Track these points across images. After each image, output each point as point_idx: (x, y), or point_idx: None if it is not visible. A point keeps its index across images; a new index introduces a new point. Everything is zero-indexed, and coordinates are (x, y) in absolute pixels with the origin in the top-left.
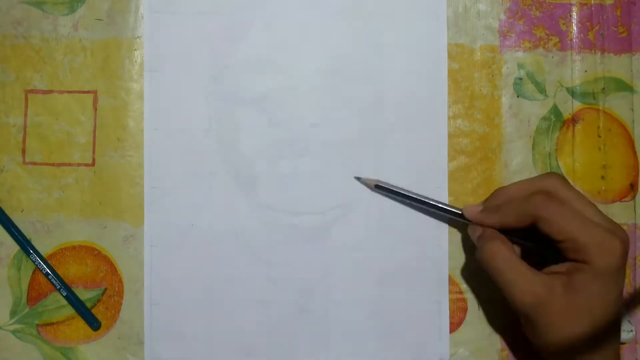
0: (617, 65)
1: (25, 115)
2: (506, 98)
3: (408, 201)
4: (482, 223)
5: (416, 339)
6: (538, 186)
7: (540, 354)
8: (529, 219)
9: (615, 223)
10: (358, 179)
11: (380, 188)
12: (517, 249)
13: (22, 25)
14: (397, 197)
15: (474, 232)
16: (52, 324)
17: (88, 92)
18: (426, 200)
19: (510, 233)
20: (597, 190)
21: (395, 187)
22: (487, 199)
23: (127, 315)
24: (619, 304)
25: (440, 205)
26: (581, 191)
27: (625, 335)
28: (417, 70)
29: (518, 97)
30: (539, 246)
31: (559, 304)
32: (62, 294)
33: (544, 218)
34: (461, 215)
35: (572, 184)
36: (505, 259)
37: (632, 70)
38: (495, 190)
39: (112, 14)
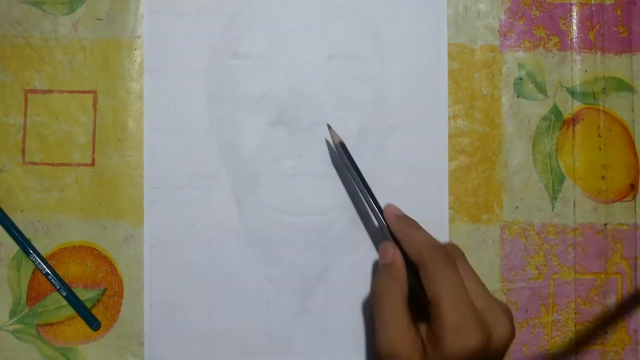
0: (617, 65)
1: (25, 115)
2: (506, 98)
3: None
4: (391, 226)
5: None
6: (444, 244)
7: None
8: (418, 259)
9: (501, 317)
10: (329, 127)
11: (342, 147)
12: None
13: (22, 25)
14: (347, 166)
15: (385, 255)
16: (52, 324)
17: (88, 92)
18: (363, 189)
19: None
20: (597, 190)
21: (351, 160)
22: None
23: (127, 315)
24: None
25: (370, 200)
26: (581, 191)
27: None
28: (417, 70)
29: (518, 97)
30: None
31: None
32: (61, 294)
33: (427, 269)
34: (379, 215)
35: (572, 184)
36: (392, 300)
37: (632, 70)
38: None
39: (112, 14)
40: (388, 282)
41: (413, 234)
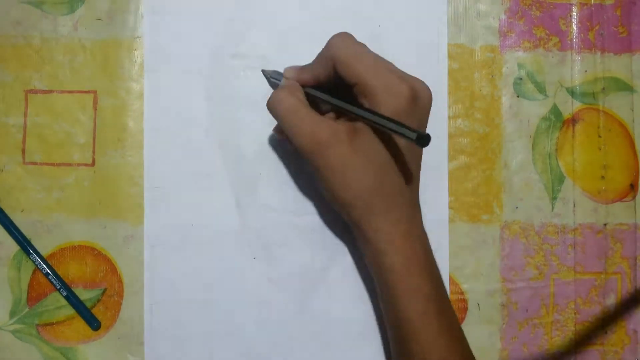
0: (617, 65)
1: (25, 115)
2: (506, 98)
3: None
4: (299, 79)
5: None
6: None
7: (335, 208)
8: (330, 62)
9: (420, 81)
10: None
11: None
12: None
13: (22, 25)
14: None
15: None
16: (52, 324)
17: (88, 92)
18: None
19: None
20: (597, 190)
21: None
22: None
23: (127, 315)
24: (416, 162)
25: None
26: (581, 191)
27: None
28: (417, 70)
29: (518, 97)
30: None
31: (341, 149)
32: (62, 294)
33: (339, 59)
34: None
35: (572, 184)
36: (289, 104)
37: (632, 70)
38: None
39: (112, 14)
40: (280, 91)
41: (314, 62)
